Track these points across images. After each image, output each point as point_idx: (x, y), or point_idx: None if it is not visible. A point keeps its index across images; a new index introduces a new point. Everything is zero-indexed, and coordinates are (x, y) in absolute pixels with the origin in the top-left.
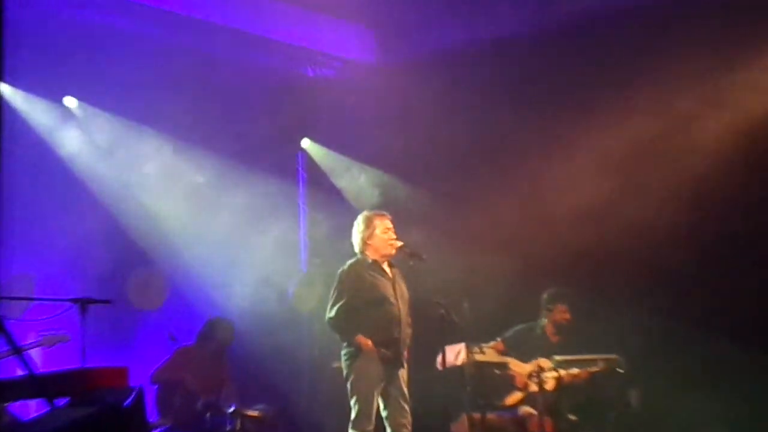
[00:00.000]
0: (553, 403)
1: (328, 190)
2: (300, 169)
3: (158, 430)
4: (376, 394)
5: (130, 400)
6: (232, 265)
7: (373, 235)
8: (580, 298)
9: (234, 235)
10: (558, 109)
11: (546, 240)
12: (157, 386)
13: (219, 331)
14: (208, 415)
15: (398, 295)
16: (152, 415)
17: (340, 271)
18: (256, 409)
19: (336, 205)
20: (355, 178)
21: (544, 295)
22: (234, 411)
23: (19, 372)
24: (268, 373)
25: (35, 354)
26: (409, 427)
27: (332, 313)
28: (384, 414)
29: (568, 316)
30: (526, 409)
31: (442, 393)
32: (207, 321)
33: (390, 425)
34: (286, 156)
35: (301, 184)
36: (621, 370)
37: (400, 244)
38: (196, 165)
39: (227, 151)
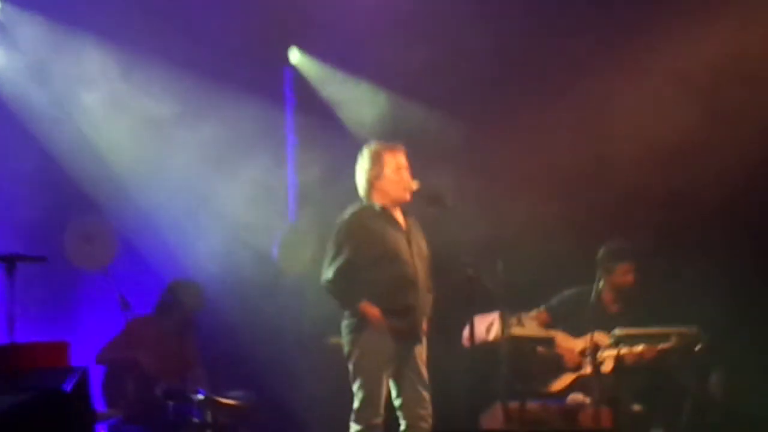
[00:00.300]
0: (611, 389)
1: (324, 118)
2: (287, 90)
3: (106, 422)
4: (385, 377)
5: (71, 383)
6: (199, 215)
7: (381, 175)
8: (648, 255)
9: (202, 177)
10: (625, 18)
11: (605, 183)
12: (105, 367)
13: (182, 296)
14: (170, 403)
15: (414, 251)
16: (99, 403)
17: (339, 221)
18: (232, 397)
19: (334, 136)
20: (359, 101)
21: (602, 252)
22: (203, 399)
23: None
24: (248, 352)
25: None
26: (429, 420)
27: (329, 275)
28: (396, 403)
29: (631, 278)
30: (576, 397)
31: (470, 376)
32: (167, 285)
33: (405, 417)
34: (269, 73)
35: (288, 109)
36: (699, 348)
37: (416, 185)
38: (154, 86)
39: (193, 69)
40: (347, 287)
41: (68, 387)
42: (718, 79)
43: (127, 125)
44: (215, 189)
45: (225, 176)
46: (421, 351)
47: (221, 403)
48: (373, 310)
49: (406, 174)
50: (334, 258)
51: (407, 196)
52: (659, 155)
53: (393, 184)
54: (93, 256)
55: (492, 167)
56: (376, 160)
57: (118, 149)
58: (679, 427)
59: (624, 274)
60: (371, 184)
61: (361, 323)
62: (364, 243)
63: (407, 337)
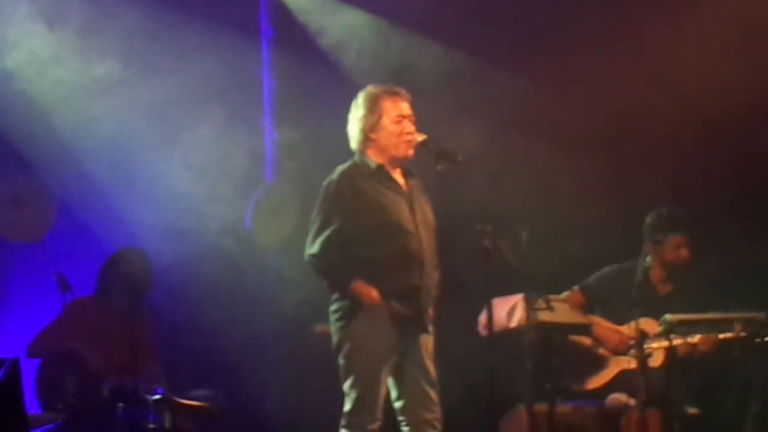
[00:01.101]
0: (661, 387)
1: (309, 55)
2: (262, 21)
3: (42, 427)
4: (384, 374)
5: None
6: (154, 176)
7: (379, 125)
8: (707, 225)
9: (159, 129)
10: None
11: (657, 140)
12: (39, 360)
13: (127, 268)
14: (119, 404)
15: (418, 219)
16: (33, 405)
17: (326, 181)
18: (195, 397)
19: (320, 77)
20: (354, 35)
21: (649, 220)
22: (160, 399)
23: None
24: (214, 343)
25: None
26: (438, 426)
27: (315, 248)
28: (398, 405)
29: (686, 253)
30: (618, 397)
31: (487, 373)
32: (109, 256)
33: (408, 422)
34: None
35: (264, 45)
36: None
37: (421, 137)
38: (99, 26)
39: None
40: (337, 264)
41: None
42: None
43: (67, 65)
44: (174, 144)
45: (186, 129)
46: (428, 341)
47: (182, 405)
48: (369, 291)
49: (408, 125)
50: (320, 228)
51: (410, 152)
52: (724, 110)
53: (393, 136)
54: (25, 225)
55: (516, 118)
56: (373, 108)
57: (57, 96)
58: None
59: (676, 247)
60: (366, 137)
61: (354, 308)
62: (357, 209)
63: (411, 325)
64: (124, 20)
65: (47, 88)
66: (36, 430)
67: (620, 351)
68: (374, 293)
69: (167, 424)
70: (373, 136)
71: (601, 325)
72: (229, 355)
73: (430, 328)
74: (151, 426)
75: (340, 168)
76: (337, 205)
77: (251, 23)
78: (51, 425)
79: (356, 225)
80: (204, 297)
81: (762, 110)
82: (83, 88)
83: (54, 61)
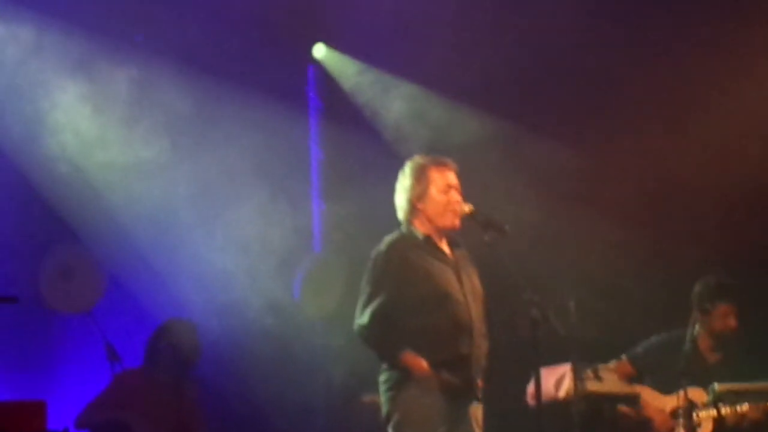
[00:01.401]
0: None
1: (355, 125)
2: (311, 92)
3: None
4: None
5: None
6: (202, 246)
7: (426, 195)
8: (753, 293)
9: (207, 199)
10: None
11: (704, 208)
12: (88, 431)
13: (177, 340)
14: None
15: (467, 289)
16: None
17: (375, 252)
18: None
19: (367, 148)
20: (399, 106)
21: (697, 288)
22: None
23: None
24: (262, 413)
25: None
26: None
27: (365, 319)
28: None
29: (734, 322)
30: None
31: None
32: (158, 327)
33: None
34: (289, 72)
35: (312, 114)
36: None
37: (469, 208)
38: (151, 94)
39: (201, 73)
40: (387, 334)
41: None
42: None
43: (117, 139)
44: (222, 214)
45: (234, 198)
46: (477, 412)
47: None
48: (419, 362)
49: (455, 195)
50: (369, 298)
51: (456, 222)
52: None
53: (440, 206)
54: (73, 297)
55: (563, 187)
56: (421, 178)
57: (107, 170)
58: None
59: (724, 316)
60: (413, 207)
61: (403, 378)
62: (406, 280)
63: (460, 395)
64: (171, 96)
65: (95, 146)
66: None
67: (669, 421)
68: (423, 364)
69: None
70: (420, 206)
71: (650, 395)
72: (279, 426)
73: (480, 399)
74: None
75: (387, 239)
76: (386, 276)
77: (299, 95)
78: None
79: (405, 295)
80: (252, 369)
81: None
82: (129, 168)
83: (100, 143)
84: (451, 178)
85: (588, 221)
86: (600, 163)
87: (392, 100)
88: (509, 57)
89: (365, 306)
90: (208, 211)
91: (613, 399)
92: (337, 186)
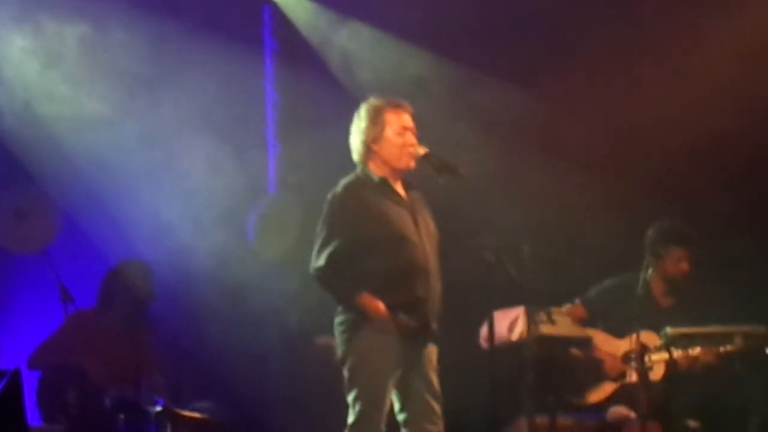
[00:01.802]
0: (662, 400)
1: (312, 68)
2: (267, 33)
3: None
4: (389, 386)
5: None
6: (156, 187)
7: (382, 137)
8: (709, 239)
9: (160, 139)
10: None
11: (659, 154)
12: (41, 373)
13: (131, 281)
14: (121, 416)
15: (422, 231)
16: (34, 417)
17: (330, 195)
18: (197, 409)
19: (324, 91)
20: (357, 48)
21: (650, 233)
22: (162, 411)
23: None
24: (216, 355)
25: None
26: None
27: (321, 262)
28: (401, 417)
29: (686, 266)
30: (619, 410)
31: (489, 385)
32: (111, 268)
33: None
34: (245, 14)
35: (268, 58)
36: None
37: (424, 151)
38: (101, 45)
39: (153, 17)
40: (343, 276)
41: None
42: None
43: (68, 79)
44: (176, 155)
45: (188, 139)
46: (432, 354)
47: (184, 417)
48: (376, 304)
49: (411, 137)
50: (325, 241)
51: (411, 164)
52: (727, 125)
53: (395, 148)
54: (27, 236)
55: (518, 131)
56: (376, 120)
57: (58, 106)
58: None
59: (677, 261)
60: (369, 149)
61: (359, 320)
62: (362, 222)
63: (416, 337)
64: (122, 45)
65: (47, 88)
66: None
67: (621, 365)
68: (380, 306)
69: None
70: (375, 148)
71: (602, 338)
72: (232, 367)
73: (435, 341)
74: None
75: (343, 181)
76: (341, 219)
77: (255, 37)
78: None
79: (361, 238)
80: (207, 310)
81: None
82: (80, 119)
83: (55, 58)
84: (407, 120)
85: (543, 166)
86: (556, 108)
87: (348, 40)
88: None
89: (321, 249)
90: (158, 158)
91: (565, 342)
92: (293, 128)
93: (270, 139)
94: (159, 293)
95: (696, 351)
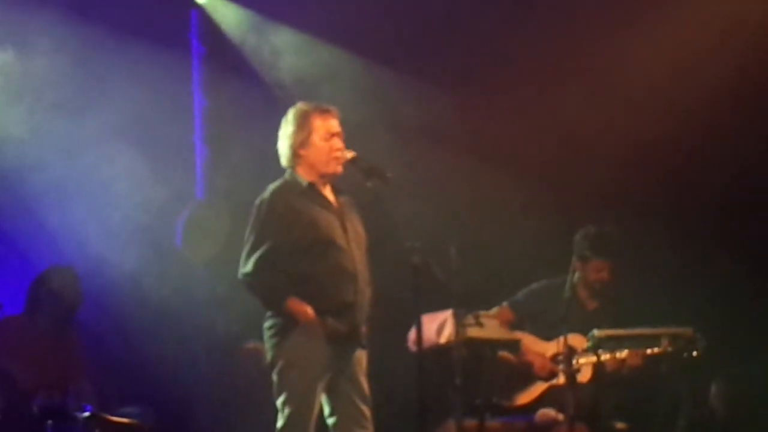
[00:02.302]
0: (590, 402)
1: (239, 73)
2: (193, 38)
3: None
4: (318, 390)
5: None
6: (85, 193)
7: (309, 142)
8: (635, 241)
9: (89, 145)
10: None
11: (585, 160)
12: None
13: (57, 287)
14: (48, 422)
15: (351, 236)
16: None
17: (259, 200)
18: (125, 414)
19: (252, 96)
20: (284, 51)
21: (577, 238)
22: (90, 416)
23: None
24: (145, 360)
25: None
26: None
27: (249, 267)
28: (330, 421)
29: (607, 275)
30: (547, 413)
31: (417, 388)
32: (38, 275)
33: None
34: (171, 18)
35: (195, 63)
36: (695, 353)
37: (351, 154)
38: (30, 38)
39: (78, 24)
40: (271, 281)
41: None
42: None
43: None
44: (105, 161)
45: (117, 145)
46: (362, 358)
47: (112, 422)
48: (304, 309)
49: (338, 142)
50: (253, 246)
51: (339, 169)
52: (651, 131)
53: (322, 153)
54: None
55: (446, 134)
56: (303, 125)
57: None
58: None
59: (598, 270)
60: (296, 154)
61: (288, 324)
62: (290, 227)
63: (345, 341)
64: (48, 53)
65: None
66: None
67: (549, 367)
68: (309, 310)
69: None
70: (302, 152)
71: (530, 341)
72: (160, 372)
73: (364, 344)
74: None
75: (271, 186)
76: (269, 224)
77: (182, 38)
78: None
79: (289, 243)
80: (134, 315)
81: (696, 129)
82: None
83: None
84: (334, 125)
85: (471, 169)
86: (486, 111)
87: (274, 45)
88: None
89: (249, 254)
90: (83, 167)
91: (494, 345)
92: (221, 133)
93: (198, 144)
94: (85, 299)
95: (623, 353)
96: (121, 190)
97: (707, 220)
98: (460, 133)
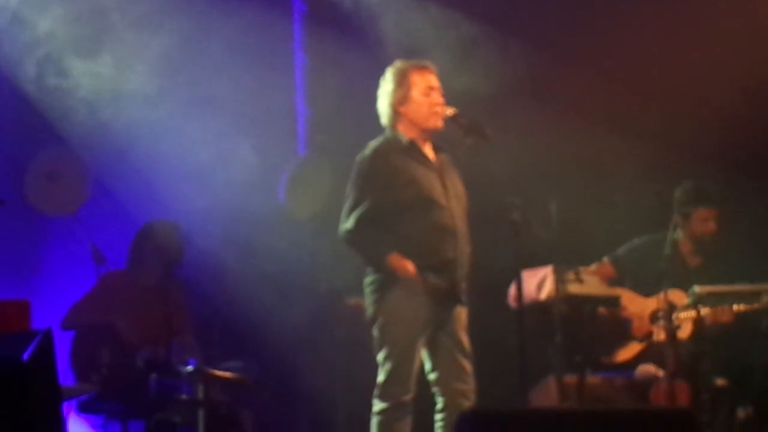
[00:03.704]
0: (691, 359)
1: (342, 32)
2: None
3: (76, 399)
4: (418, 346)
5: (31, 350)
6: (186, 149)
7: (408, 99)
8: (736, 199)
9: (191, 103)
10: None
11: (689, 113)
12: (74, 332)
13: (159, 240)
14: (153, 376)
15: (450, 193)
16: (67, 377)
17: (359, 158)
18: (229, 369)
19: (354, 54)
20: (385, 10)
21: (678, 193)
22: (194, 371)
23: None
24: (249, 316)
25: None
26: (472, 397)
27: (350, 224)
28: (432, 377)
29: (713, 226)
30: (647, 369)
31: (517, 344)
32: (140, 229)
33: (442, 393)
34: None
35: (296, 20)
36: None
37: (451, 111)
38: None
39: None
40: (372, 238)
41: (28, 355)
42: None
43: (104, 43)
44: (207, 118)
45: (219, 103)
46: (461, 314)
47: (216, 376)
48: (405, 264)
49: (437, 97)
50: (354, 203)
51: (439, 124)
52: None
53: (422, 109)
54: (59, 198)
55: (548, 91)
56: (402, 82)
57: (91, 70)
58: None
59: (704, 221)
60: (396, 111)
61: (388, 280)
62: (390, 184)
63: (445, 297)
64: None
65: (82, 50)
66: (70, 402)
67: (649, 323)
68: (410, 266)
69: (200, 396)
70: (402, 110)
71: (630, 297)
72: (263, 328)
73: (464, 301)
74: (184, 397)
75: (372, 144)
76: (370, 181)
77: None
78: (85, 396)
79: (390, 200)
80: (239, 271)
81: None
82: (119, 53)
83: (93, 18)
84: (432, 80)
85: (571, 126)
86: (588, 68)
87: (376, 3)
88: None
89: (350, 211)
90: (190, 119)
91: (593, 301)
92: (323, 90)
93: (299, 102)
94: (189, 255)
95: (724, 309)
96: (225, 148)
97: None
98: (564, 92)
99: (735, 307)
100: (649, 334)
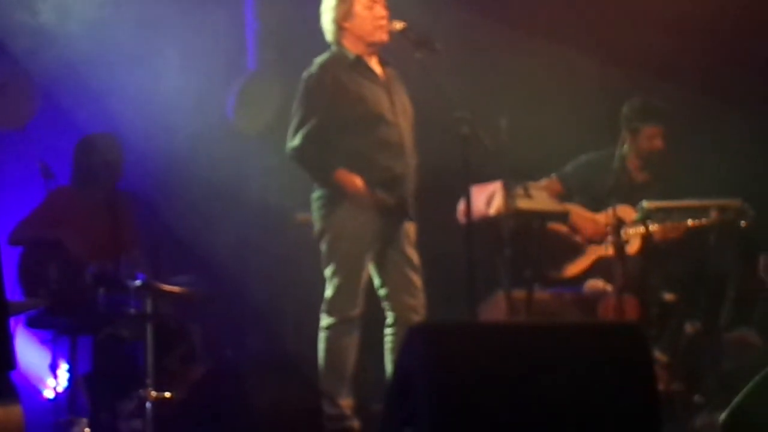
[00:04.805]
0: (638, 273)
1: None
2: None
3: (24, 313)
4: (366, 261)
5: None
6: (137, 62)
7: (351, 13)
8: (683, 113)
9: (139, 15)
10: None
11: (638, 27)
12: (21, 248)
13: (98, 152)
14: (101, 290)
15: (398, 109)
16: (15, 292)
17: (306, 74)
18: (177, 283)
19: None
20: None
21: (625, 109)
22: (142, 285)
23: None
24: (197, 230)
25: None
26: (421, 311)
27: (297, 140)
28: (382, 292)
29: (660, 143)
30: (595, 283)
31: (466, 259)
32: (77, 143)
33: (392, 308)
34: None
35: None
36: (744, 223)
37: (401, 25)
38: None
39: None
40: (319, 154)
41: None
42: None
43: None
44: (155, 31)
45: (167, 17)
46: (410, 229)
47: (164, 290)
48: (353, 180)
49: (381, 10)
50: (301, 121)
51: (384, 37)
52: None
53: (366, 24)
54: (6, 112)
55: (498, 6)
56: None
57: None
58: (719, 319)
59: (650, 137)
60: (340, 26)
61: (336, 196)
62: (337, 101)
63: (393, 212)
64: None
65: None
66: (18, 316)
67: (595, 240)
68: (358, 181)
69: (149, 310)
70: (346, 25)
71: (578, 213)
72: (212, 242)
73: (412, 216)
74: (133, 311)
75: (318, 60)
76: (317, 98)
77: None
78: (34, 311)
79: (337, 117)
80: (186, 184)
81: None
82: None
83: None
84: None
85: (522, 41)
86: None
87: None
88: None
89: (297, 128)
90: (143, 24)
91: (542, 216)
92: (272, 2)
93: (248, 16)
94: (138, 169)
95: (672, 224)
96: (172, 60)
97: (761, 93)
98: (515, 7)
99: (690, 222)
100: (599, 246)
